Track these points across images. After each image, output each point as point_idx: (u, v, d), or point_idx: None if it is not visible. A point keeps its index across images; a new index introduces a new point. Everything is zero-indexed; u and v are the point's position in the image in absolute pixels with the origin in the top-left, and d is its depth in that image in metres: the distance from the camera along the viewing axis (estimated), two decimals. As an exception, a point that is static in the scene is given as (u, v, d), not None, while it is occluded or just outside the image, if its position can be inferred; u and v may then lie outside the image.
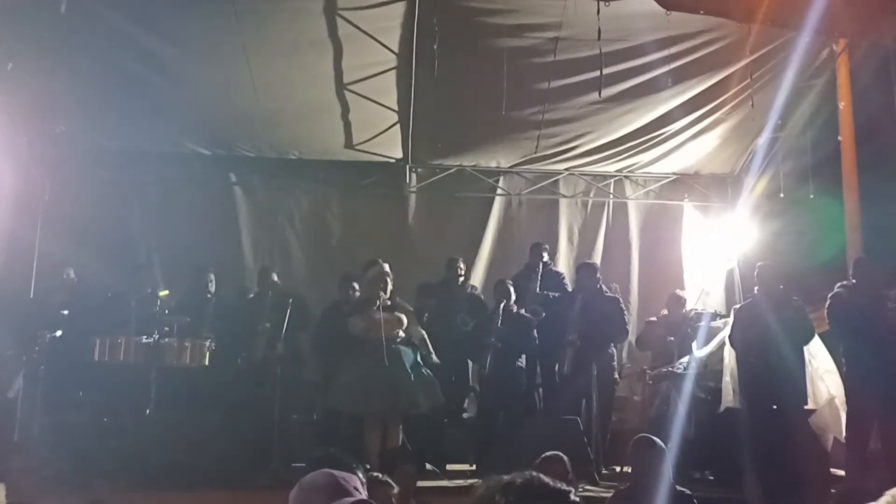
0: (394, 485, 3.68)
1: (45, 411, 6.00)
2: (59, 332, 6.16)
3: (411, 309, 6.40)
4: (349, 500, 2.02)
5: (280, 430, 6.26)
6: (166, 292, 6.91)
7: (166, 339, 6.40)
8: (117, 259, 7.81)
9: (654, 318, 7.73)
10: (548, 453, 4.48)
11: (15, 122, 7.47)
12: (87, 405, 6.41)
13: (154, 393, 6.23)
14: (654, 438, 4.40)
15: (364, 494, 2.15)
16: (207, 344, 6.54)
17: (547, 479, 1.69)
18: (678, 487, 4.21)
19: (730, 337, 6.31)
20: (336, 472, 2.15)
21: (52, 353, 6.11)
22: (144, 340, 6.30)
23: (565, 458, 4.34)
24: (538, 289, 7.42)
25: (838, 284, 5.96)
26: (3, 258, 7.65)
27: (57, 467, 5.53)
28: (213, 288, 7.34)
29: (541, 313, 6.92)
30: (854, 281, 5.92)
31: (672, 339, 7.01)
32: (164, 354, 6.35)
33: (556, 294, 7.45)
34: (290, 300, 6.62)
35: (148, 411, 6.20)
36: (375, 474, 3.63)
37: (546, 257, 7.78)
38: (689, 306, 7.55)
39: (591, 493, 5.40)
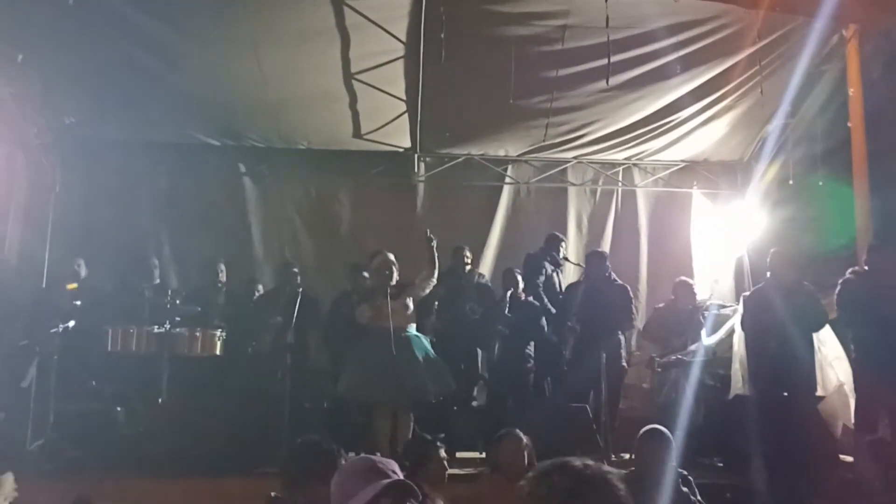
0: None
1: (58, 401, 6.06)
2: (71, 323, 6.20)
3: (416, 282, 6.34)
4: (386, 482, 2.12)
5: (291, 418, 6.30)
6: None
7: (178, 329, 6.45)
8: (127, 250, 7.87)
9: (662, 305, 7.73)
10: (502, 431, 4.52)
11: (25, 113, 7.51)
12: (99, 395, 6.48)
13: (166, 382, 6.29)
14: (662, 429, 4.41)
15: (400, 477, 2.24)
16: (218, 333, 6.60)
17: (584, 463, 1.58)
18: (680, 470, 4.25)
19: (741, 323, 6.30)
20: (375, 458, 2.29)
21: (65, 343, 6.16)
22: (156, 330, 6.36)
23: (522, 435, 4.40)
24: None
25: (849, 270, 5.92)
26: (16, 249, 7.72)
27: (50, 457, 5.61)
28: (223, 278, 7.40)
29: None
30: (867, 268, 5.89)
31: (689, 316, 6.98)
32: (175, 344, 6.41)
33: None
34: (300, 290, 6.65)
35: (160, 400, 6.27)
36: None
37: (563, 251, 7.78)
38: (697, 293, 7.54)
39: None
